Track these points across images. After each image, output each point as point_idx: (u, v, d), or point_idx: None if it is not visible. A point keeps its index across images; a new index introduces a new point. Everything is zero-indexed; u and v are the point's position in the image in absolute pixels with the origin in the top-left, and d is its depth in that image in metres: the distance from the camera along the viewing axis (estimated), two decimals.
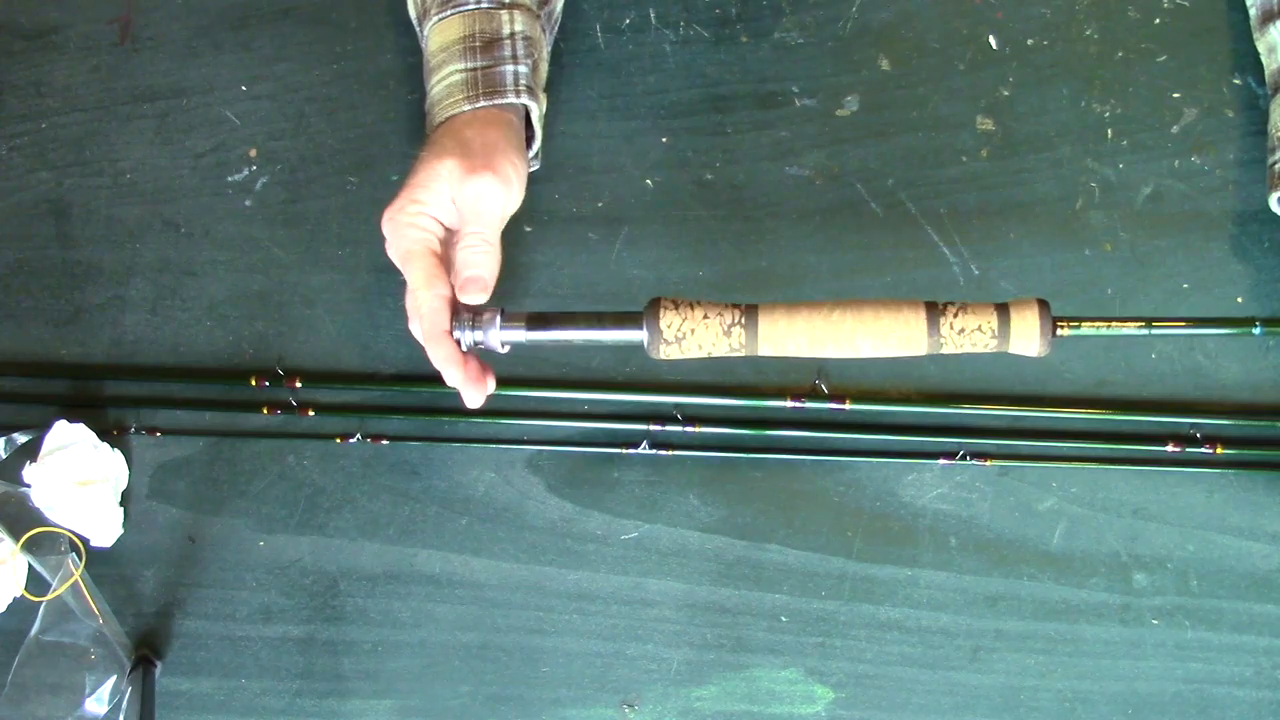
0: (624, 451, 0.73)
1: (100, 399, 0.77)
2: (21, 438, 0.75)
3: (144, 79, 0.78)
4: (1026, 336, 0.55)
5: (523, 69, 0.65)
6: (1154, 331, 0.55)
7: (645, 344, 0.57)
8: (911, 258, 0.73)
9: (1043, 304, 0.55)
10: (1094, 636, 0.72)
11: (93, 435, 0.74)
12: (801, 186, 0.74)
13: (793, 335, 0.56)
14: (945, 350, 0.56)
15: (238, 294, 0.76)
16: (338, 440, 0.75)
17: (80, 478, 0.73)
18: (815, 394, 0.73)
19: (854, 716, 0.72)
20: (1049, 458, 0.72)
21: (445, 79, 0.64)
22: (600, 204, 0.75)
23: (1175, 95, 0.72)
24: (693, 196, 0.74)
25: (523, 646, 0.74)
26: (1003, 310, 0.55)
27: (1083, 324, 0.55)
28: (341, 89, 0.76)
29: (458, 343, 0.59)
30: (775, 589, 0.73)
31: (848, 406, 0.72)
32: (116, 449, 0.75)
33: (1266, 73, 0.69)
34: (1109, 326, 0.56)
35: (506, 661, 0.74)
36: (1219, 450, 0.71)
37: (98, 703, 0.73)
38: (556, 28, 0.74)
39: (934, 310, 0.56)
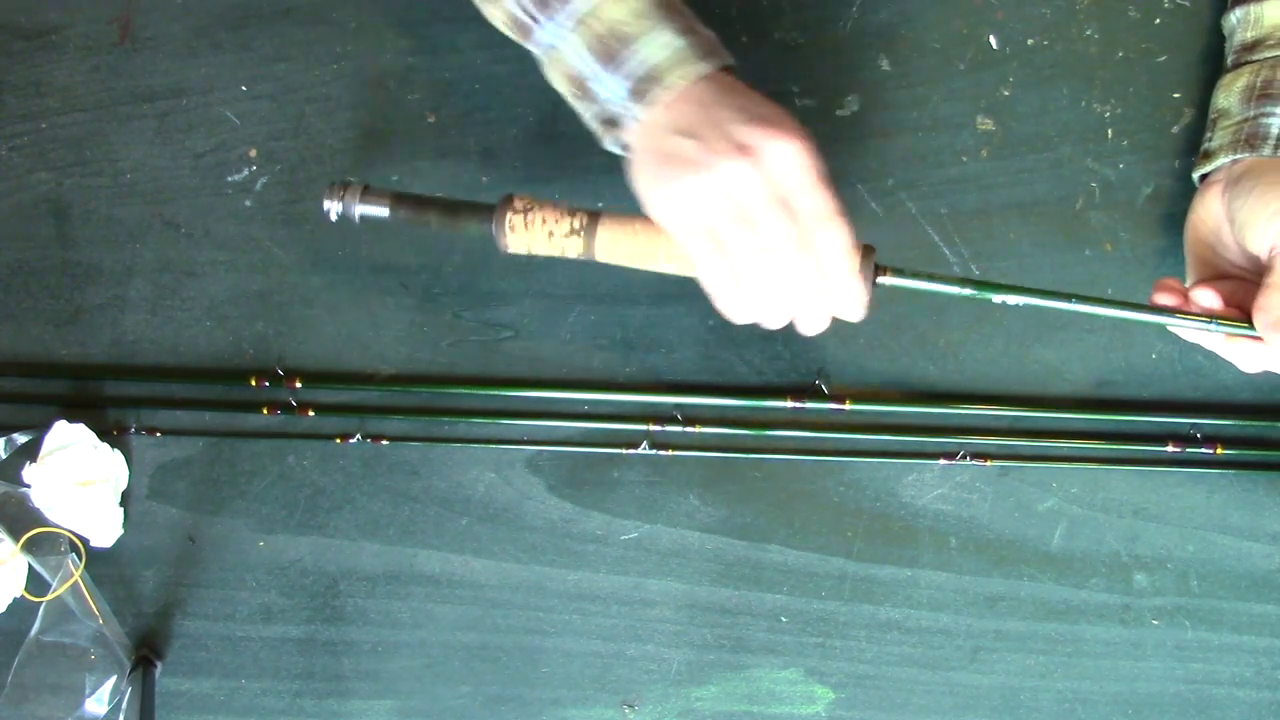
0: (624, 452, 0.73)
1: (100, 399, 0.77)
2: (21, 438, 0.75)
3: (144, 79, 0.78)
4: None
5: (715, 35, 0.62)
6: (976, 293, 0.57)
7: (493, 234, 0.61)
8: (911, 258, 0.73)
9: (867, 248, 0.57)
10: (1094, 637, 0.72)
11: (93, 435, 0.74)
12: None
13: (629, 245, 0.59)
14: None
15: (238, 294, 0.76)
16: (337, 440, 0.75)
17: (80, 478, 0.73)
18: (815, 394, 0.73)
19: (854, 716, 0.72)
20: (1049, 458, 0.72)
21: (665, 43, 0.59)
22: (600, 204, 0.75)
23: (1175, 95, 0.72)
24: None
25: (523, 647, 0.74)
26: None
27: (905, 275, 0.57)
28: (341, 89, 0.76)
29: (328, 212, 0.63)
30: (775, 589, 0.73)
31: (848, 407, 0.72)
32: (116, 449, 0.75)
33: (1226, 57, 0.69)
34: (930, 281, 0.57)
35: (506, 661, 0.74)
36: (1219, 450, 0.71)
37: (98, 703, 0.73)
38: None
39: None
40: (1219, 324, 0.58)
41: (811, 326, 0.58)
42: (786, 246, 0.55)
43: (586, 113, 0.62)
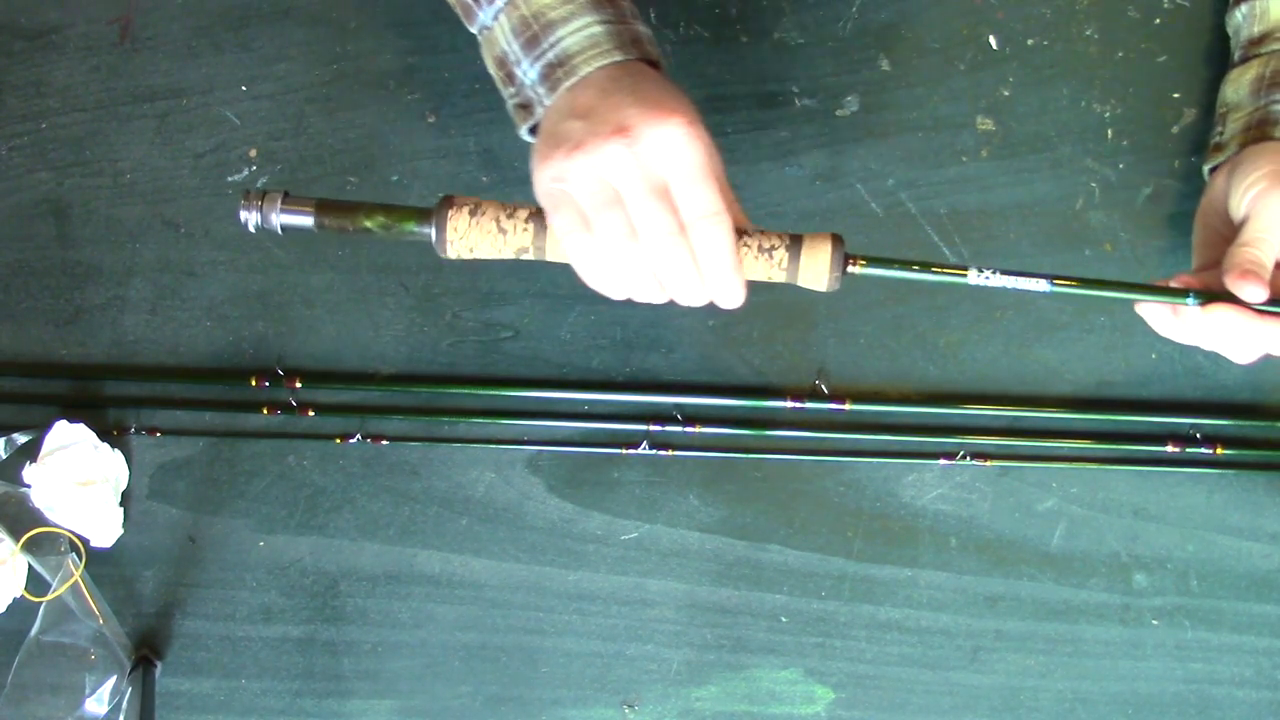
0: (624, 451, 0.73)
1: (100, 399, 0.77)
2: (21, 438, 0.75)
3: (144, 79, 0.78)
4: (816, 270, 0.56)
5: (648, 29, 0.62)
6: (932, 276, 0.56)
7: (433, 241, 0.57)
8: (912, 257, 0.72)
9: (836, 238, 0.56)
10: (1094, 637, 0.72)
11: (93, 435, 0.74)
12: (801, 186, 0.74)
13: None
14: None
15: (238, 294, 0.76)
16: (337, 440, 0.75)
17: (80, 478, 0.73)
18: (815, 394, 0.73)
19: (854, 716, 0.72)
20: (1049, 458, 0.72)
21: (583, 29, 0.59)
22: None
23: (1175, 95, 0.72)
24: None
25: (523, 646, 0.74)
26: (795, 241, 0.56)
27: (875, 264, 0.56)
28: (341, 89, 0.76)
29: (245, 224, 0.57)
30: (775, 589, 0.73)
31: (848, 407, 0.72)
32: (116, 449, 0.75)
33: (1232, 54, 0.69)
34: (901, 269, 0.56)
35: (506, 661, 0.74)
36: (1219, 450, 0.71)
37: (98, 703, 0.73)
38: None
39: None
40: (1195, 296, 0.56)
41: (689, 302, 0.57)
42: (656, 232, 0.54)
43: (508, 98, 0.62)
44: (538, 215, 0.57)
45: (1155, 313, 0.59)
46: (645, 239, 0.54)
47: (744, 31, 0.75)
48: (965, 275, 0.55)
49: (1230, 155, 0.64)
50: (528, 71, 0.59)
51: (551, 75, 0.58)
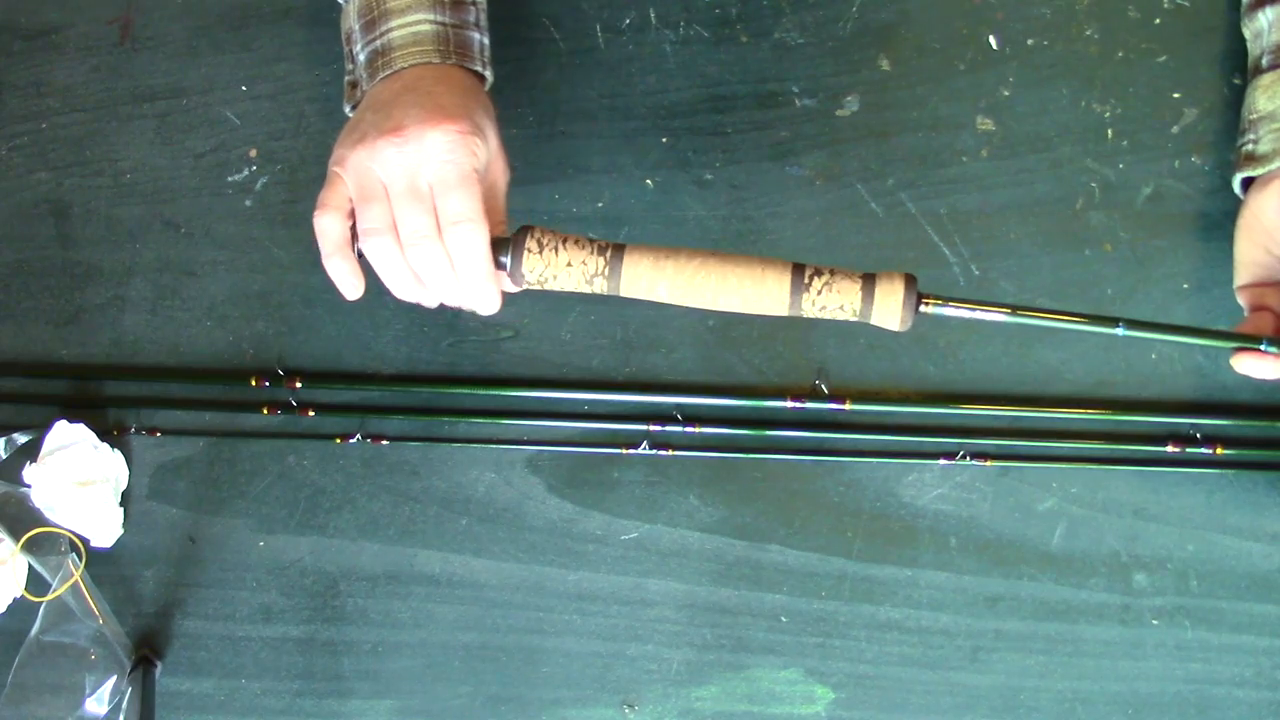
0: (624, 452, 0.73)
1: (100, 399, 0.77)
2: (21, 438, 0.75)
3: (144, 79, 0.78)
4: (890, 309, 0.55)
5: (487, 40, 0.64)
6: (1017, 319, 0.56)
7: (508, 271, 0.58)
8: (911, 258, 0.73)
9: (909, 278, 0.55)
10: (1094, 637, 0.72)
11: (93, 435, 0.74)
12: (801, 186, 0.74)
13: (655, 281, 0.57)
14: (806, 314, 0.56)
15: (238, 294, 0.76)
16: (338, 440, 0.75)
17: (80, 478, 0.73)
18: (815, 394, 0.73)
19: (854, 716, 0.72)
20: (1049, 458, 0.72)
21: (412, 25, 0.61)
22: (600, 204, 0.75)
23: (1175, 95, 0.72)
24: (693, 196, 0.74)
25: (523, 647, 0.74)
26: (868, 280, 0.56)
27: (947, 303, 0.56)
28: (341, 89, 0.76)
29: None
30: (775, 589, 0.73)
31: (848, 407, 0.72)
32: (116, 449, 0.75)
33: (1249, 58, 0.69)
34: (972, 309, 0.56)
35: (506, 661, 0.74)
36: (1219, 450, 0.71)
37: (98, 703, 0.73)
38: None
39: (799, 274, 0.56)
40: (1269, 343, 0.56)
41: (478, 306, 0.59)
42: (410, 230, 0.56)
43: (346, 74, 0.64)
44: (615, 251, 0.57)
45: (1257, 366, 0.58)
46: (402, 235, 0.56)
47: (744, 31, 0.75)
48: (1037, 317, 0.55)
49: (1274, 169, 0.62)
50: (359, 54, 0.62)
51: (374, 63, 0.61)
